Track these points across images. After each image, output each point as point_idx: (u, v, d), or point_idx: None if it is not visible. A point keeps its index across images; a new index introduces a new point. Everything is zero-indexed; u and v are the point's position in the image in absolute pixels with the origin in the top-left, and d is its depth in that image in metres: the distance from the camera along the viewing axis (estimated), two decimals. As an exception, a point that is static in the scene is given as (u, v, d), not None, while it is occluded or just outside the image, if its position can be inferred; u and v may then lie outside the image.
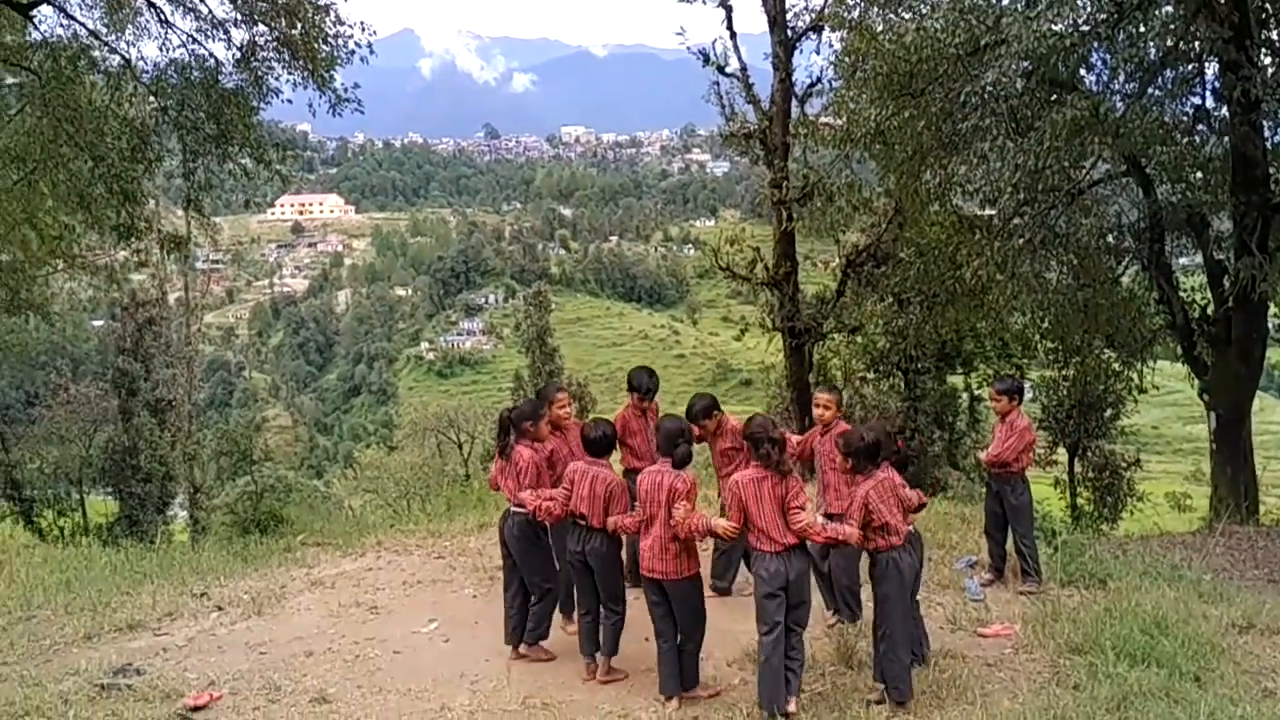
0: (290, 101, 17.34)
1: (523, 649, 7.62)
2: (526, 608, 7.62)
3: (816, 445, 8.18)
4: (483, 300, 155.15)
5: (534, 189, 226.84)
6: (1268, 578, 11.61)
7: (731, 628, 7.72)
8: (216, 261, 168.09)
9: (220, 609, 8.98)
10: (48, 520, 29.47)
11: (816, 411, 8.28)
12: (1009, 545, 9.09)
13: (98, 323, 43.77)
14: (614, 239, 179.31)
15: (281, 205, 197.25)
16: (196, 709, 6.83)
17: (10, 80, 16.35)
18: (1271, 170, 15.91)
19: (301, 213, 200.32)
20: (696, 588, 6.90)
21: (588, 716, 6.68)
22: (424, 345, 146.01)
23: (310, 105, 16.66)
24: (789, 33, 20.90)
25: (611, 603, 7.17)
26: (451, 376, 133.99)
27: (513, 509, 7.55)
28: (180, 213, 25.21)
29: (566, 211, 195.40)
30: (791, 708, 6.46)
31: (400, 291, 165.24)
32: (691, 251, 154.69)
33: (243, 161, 16.58)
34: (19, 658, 7.94)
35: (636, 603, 7.26)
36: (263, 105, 16.56)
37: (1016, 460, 8.94)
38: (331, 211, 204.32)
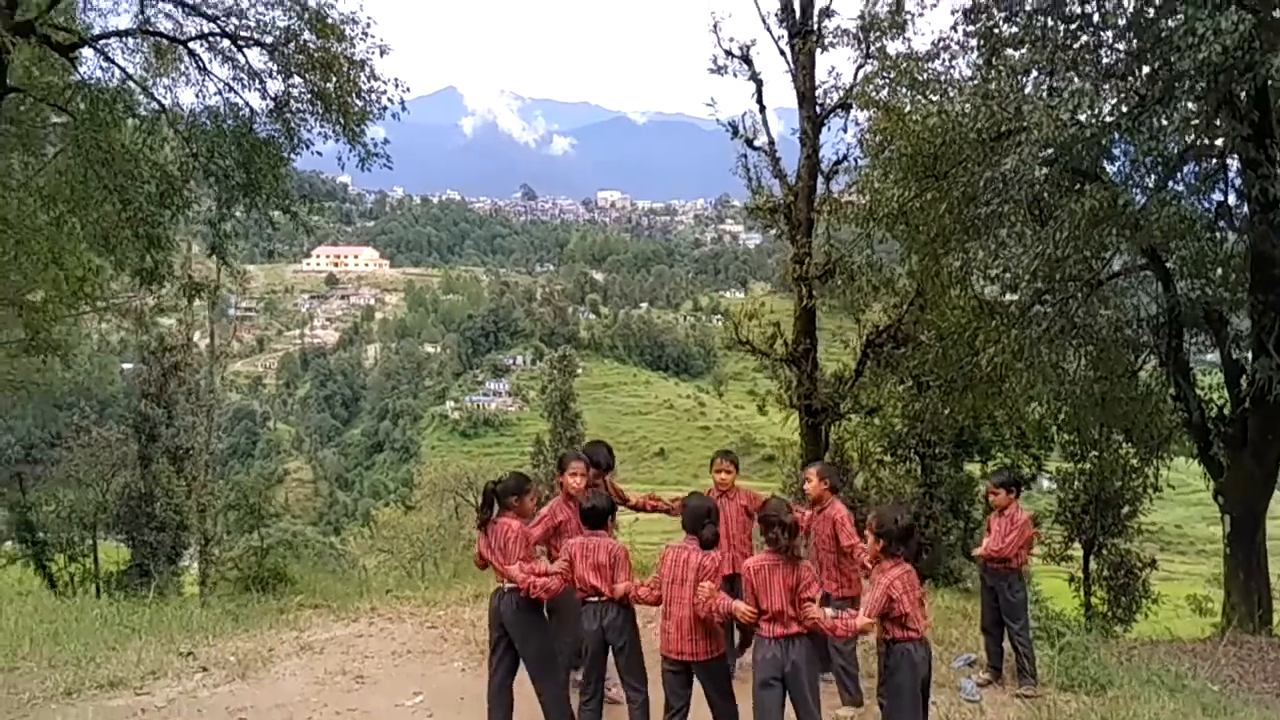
0: (320, 154, 17.61)
1: None
2: (511, 694, 7.28)
3: (811, 525, 8.10)
4: (510, 361, 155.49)
5: (567, 252, 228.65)
6: (1277, 691, 11.38)
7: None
8: (249, 309, 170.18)
9: (205, 670, 8.90)
10: (58, 565, 29.41)
11: (806, 488, 8.23)
12: (1006, 644, 8.93)
13: (127, 365, 44.08)
14: (644, 306, 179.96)
15: (317, 256, 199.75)
16: (170, 775, 6.76)
17: (55, 120, 16.66)
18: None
19: (336, 264, 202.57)
20: (725, 667, 6.85)
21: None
22: (449, 404, 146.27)
23: (340, 159, 16.92)
24: (818, 109, 21.13)
25: (636, 681, 6.92)
26: (475, 437, 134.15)
27: (506, 587, 7.16)
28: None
29: (599, 276, 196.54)
30: None
31: (429, 348, 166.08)
32: (720, 322, 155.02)
33: (270, 212, 16.78)
34: (-1, 712, 7.92)
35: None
36: (293, 156, 16.82)
37: (1016, 556, 8.82)
38: (366, 265, 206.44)
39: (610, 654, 7.03)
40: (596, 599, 6.94)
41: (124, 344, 35.41)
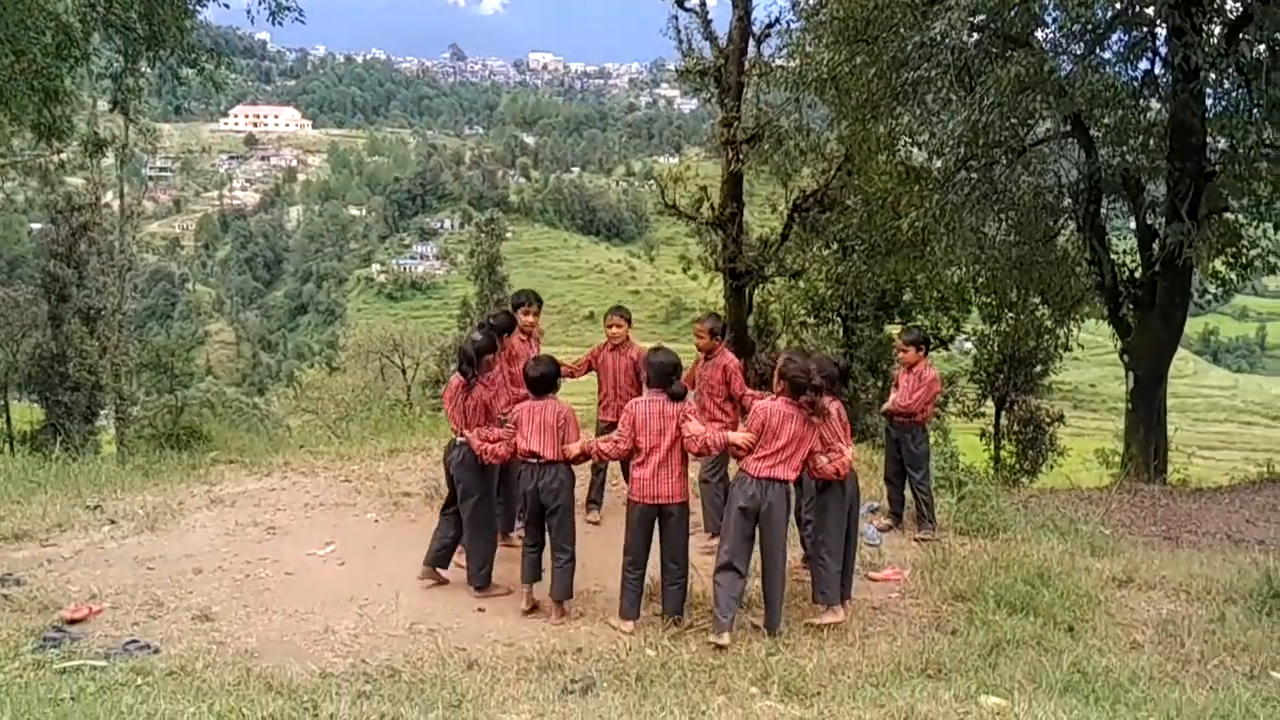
0: (228, 6, 16.85)
1: (476, 595, 7.45)
2: (457, 518, 7.56)
3: (700, 372, 8.50)
4: (438, 225, 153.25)
5: (498, 114, 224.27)
6: (1164, 534, 11.93)
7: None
8: (164, 170, 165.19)
9: (113, 522, 8.82)
10: (-31, 425, 28.99)
11: (698, 342, 8.62)
12: (908, 492, 9.24)
13: (36, 225, 42.75)
14: (576, 170, 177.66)
15: (235, 115, 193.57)
16: (73, 622, 6.71)
17: None
18: (1208, 139, 16.05)
19: (256, 124, 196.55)
20: (689, 513, 7.16)
21: (474, 643, 6.65)
22: (375, 267, 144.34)
23: (249, 12, 16.20)
24: (751, -31, 20.69)
25: (565, 542, 7.11)
26: (402, 300, 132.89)
27: (459, 439, 7.48)
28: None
29: (529, 139, 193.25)
30: (725, 640, 6.61)
31: (354, 211, 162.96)
32: (652, 187, 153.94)
33: (173, 65, 16.09)
34: (-104, 564, 7.79)
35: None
36: (200, 8, 16.08)
37: (921, 411, 9.08)
38: (287, 125, 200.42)
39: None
40: (535, 460, 7.06)
41: (30, 203, 34.18)
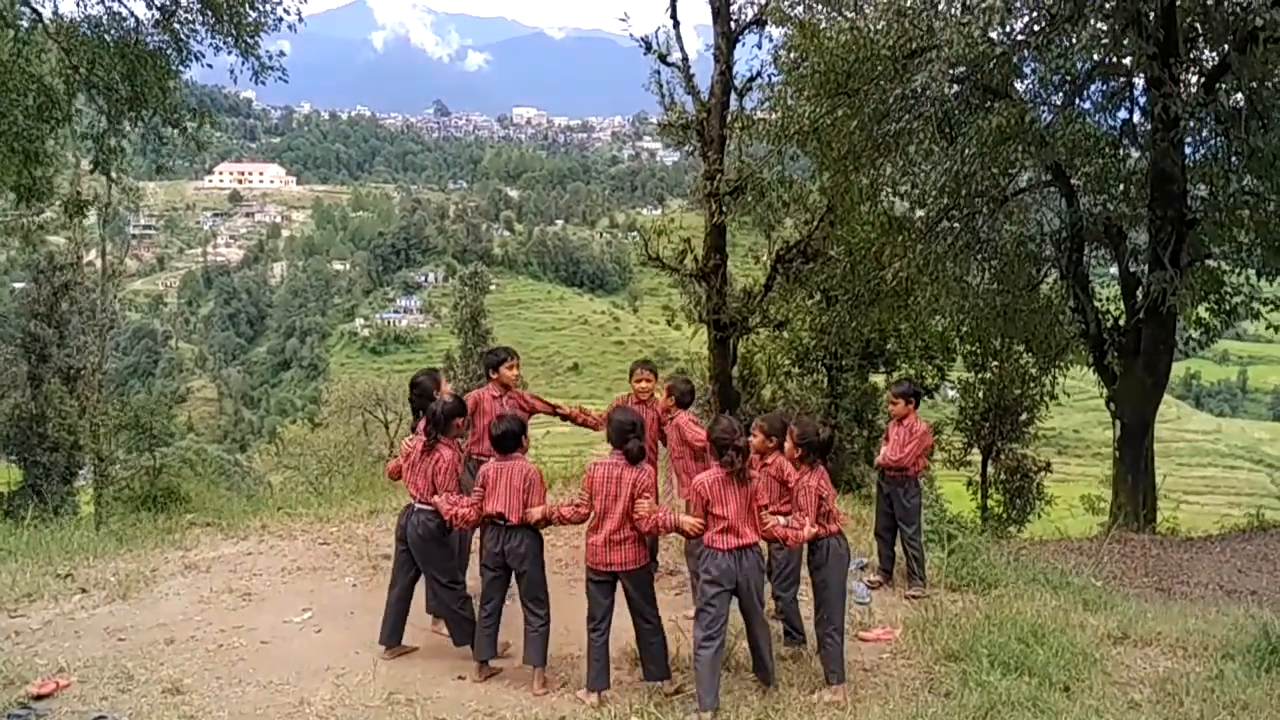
0: (210, 66, 16.82)
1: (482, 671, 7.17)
2: (408, 603, 7.38)
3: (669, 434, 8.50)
4: (422, 278, 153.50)
5: (481, 168, 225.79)
6: (1155, 585, 11.80)
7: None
8: (148, 227, 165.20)
9: (84, 591, 8.59)
10: (-54, 486, 28.64)
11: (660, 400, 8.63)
12: (898, 548, 9.09)
13: (19, 285, 42.57)
14: (560, 223, 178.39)
15: (220, 173, 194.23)
16: (40, 697, 6.51)
17: None
18: (1188, 187, 16.12)
19: (240, 181, 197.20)
20: (651, 575, 6.99)
21: (453, 713, 6.47)
22: (359, 321, 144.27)
23: (232, 71, 16.16)
24: (732, 25, 20.84)
25: (536, 605, 6.90)
26: (385, 354, 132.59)
27: (419, 506, 7.23)
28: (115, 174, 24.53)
29: (513, 193, 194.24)
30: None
31: (338, 266, 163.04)
32: (635, 239, 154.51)
33: (156, 125, 16.03)
34: None
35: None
36: (182, 68, 16.03)
37: (914, 465, 8.97)
38: (272, 181, 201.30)
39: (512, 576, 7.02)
40: (502, 522, 6.88)
41: (12, 263, 34.06)
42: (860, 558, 9.44)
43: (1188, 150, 16.34)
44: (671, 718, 6.38)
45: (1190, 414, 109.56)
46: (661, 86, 21.44)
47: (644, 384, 8.81)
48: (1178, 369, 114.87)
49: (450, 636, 7.36)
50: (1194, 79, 16.34)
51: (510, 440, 7.03)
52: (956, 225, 17.11)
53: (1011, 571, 9.73)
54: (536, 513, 6.89)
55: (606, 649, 6.78)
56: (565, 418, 8.98)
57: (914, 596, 8.75)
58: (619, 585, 6.79)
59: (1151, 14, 14.29)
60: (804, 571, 7.57)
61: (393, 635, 7.38)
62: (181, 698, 6.59)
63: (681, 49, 21.46)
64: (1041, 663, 7.04)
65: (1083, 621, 8.25)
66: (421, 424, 7.54)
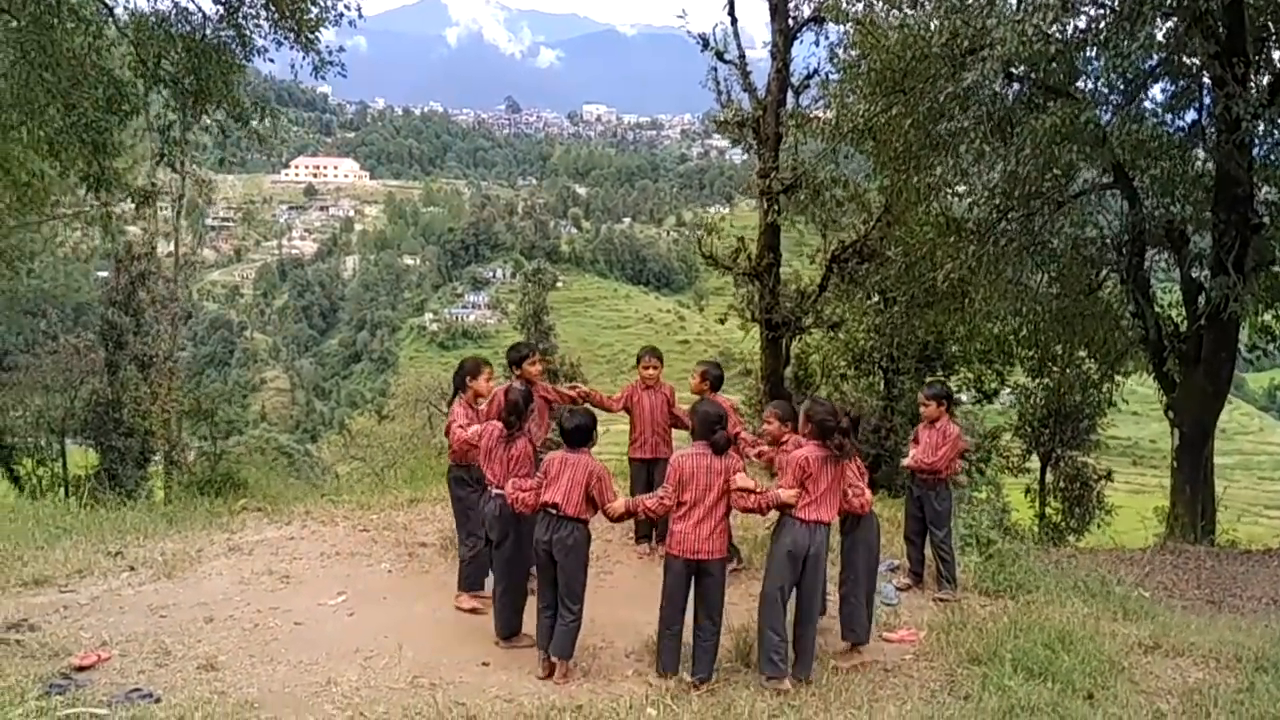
0: (273, 61, 17.18)
1: (502, 645, 7.45)
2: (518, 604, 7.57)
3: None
4: (490, 274, 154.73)
5: (551, 165, 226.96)
6: (1206, 598, 11.56)
7: (632, 617, 7.69)
8: (226, 220, 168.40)
9: (132, 569, 8.89)
10: (26, 468, 29.45)
11: (691, 383, 8.90)
12: (928, 551, 9.05)
13: (103, 274, 43.72)
14: (627, 220, 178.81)
15: (295, 167, 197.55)
16: (81, 669, 6.74)
17: None
18: (1254, 190, 15.77)
19: (315, 175, 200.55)
20: (726, 569, 7.12)
21: (474, 698, 6.55)
22: (428, 316, 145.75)
23: (293, 66, 16.48)
24: (789, 22, 20.77)
25: (571, 600, 6.96)
26: (453, 349, 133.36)
27: (494, 490, 7.46)
28: (190, 167, 25.14)
29: (582, 190, 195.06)
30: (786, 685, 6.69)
31: (409, 260, 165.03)
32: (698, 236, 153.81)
33: (220, 119, 16.40)
34: (-82, 606, 7.88)
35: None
36: (245, 63, 16.37)
37: (946, 468, 8.91)
38: (346, 176, 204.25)
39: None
40: (553, 512, 6.96)
41: (94, 252, 35.03)
42: (890, 559, 9.41)
43: (1254, 153, 15.96)
44: (686, 710, 6.42)
45: (1274, 426, 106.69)
46: (719, 83, 21.47)
47: (651, 370, 9.33)
48: (1260, 379, 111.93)
49: (501, 618, 7.53)
50: (1264, 80, 15.99)
51: (582, 434, 7.11)
52: (1013, 226, 16.86)
53: (1050, 579, 9.59)
54: (619, 505, 7.02)
55: (680, 638, 6.97)
56: (583, 399, 9.21)
57: (942, 600, 8.69)
58: (698, 576, 6.91)
59: (1216, 10, 14.01)
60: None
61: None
62: (215, 674, 6.80)
63: (738, 46, 21.42)
64: (1066, 669, 6.99)
65: (1115, 630, 8.14)
66: (487, 410, 8.05)
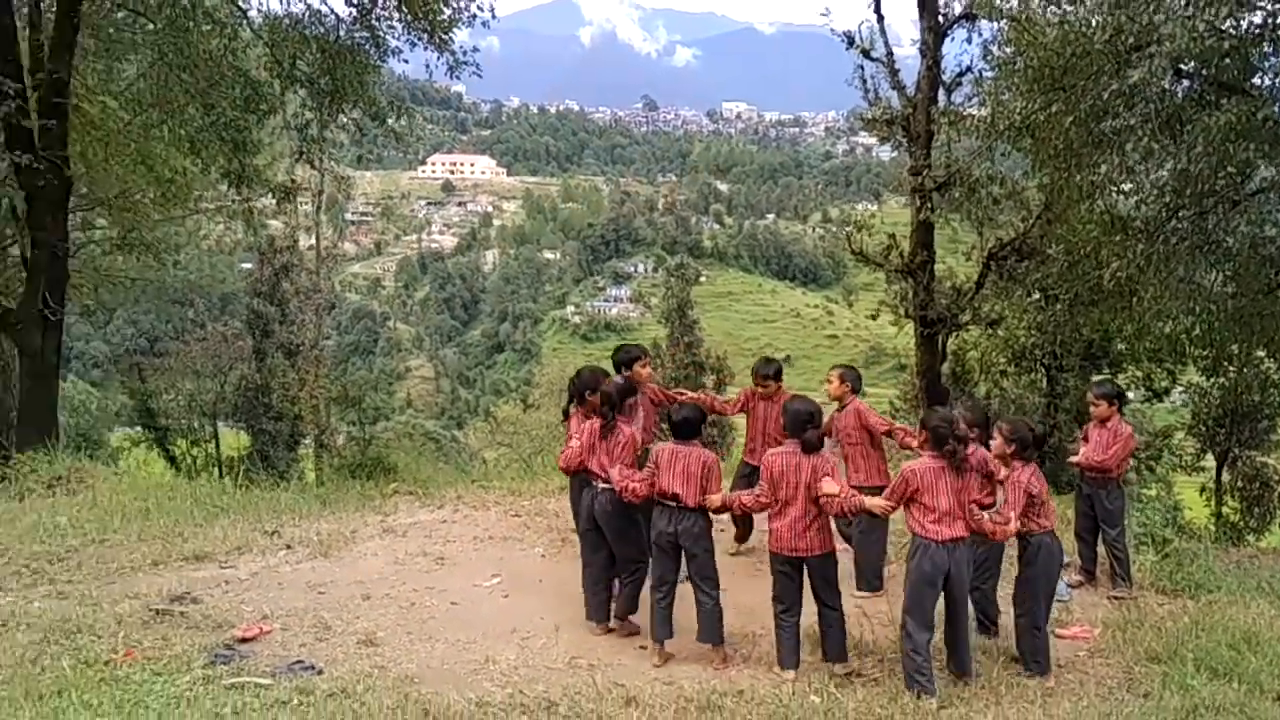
0: (407, 61, 17.42)
1: (614, 624, 7.47)
2: (609, 586, 7.53)
3: (835, 422, 8.42)
4: (632, 269, 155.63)
5: (690, 162, 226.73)
6: None
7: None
8: (365, 214, 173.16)
9: (289, 547, 9.13)
10: (181, 449, 30.70)
11: (829, 388, 8.61)
12: (1101, 549, 8.78)
13: (247, 265, 45.35)
14: (770, 216, 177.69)
15: (433, 164, 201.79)
16: (244, 640, 6.93)
17: (139, 28, 16.74)
18: None
19: (453, 171, 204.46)
20: (835, 563, 6.96)
21: (633, 680, 6.55)
22: (570, 309, 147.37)
23: (428, 66, 16.66)
24: (940, 19, 20.32)
25: (708, 585, 7.01)
26: (596, 341, 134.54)
27: (601, 485, 7.39)
28: (328, 164, 25.84)
29: (723, 186, 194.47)
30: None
31: (548, 255, 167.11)
32: (847, 232, 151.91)
33: (357, 118, 16.73)
34: (85, 578, 8.21)
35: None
36: (379, 63, 16.62)
37: (1117, 467, 8.66)
38: (483, 173, 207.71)
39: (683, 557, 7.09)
40: (674, 504, 6.96)
41: (237, 244, 36.44)
42: (1064, 556, 9.06)
43: None
44: (851, 698, 6.29)
45: None
46: (865, 81, 21.09)
47: (763, 389, 8.93)
48: None
49: (620, 607, 7.47)
50: None
51: (690, 427, 7.14)
52: (1184, 225, 16.13)
53: (1231, 579, 9.17)
54: (717, 499, 7.00)
55: (797, 630, 6.85)
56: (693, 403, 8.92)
57: (1117, 598, 8.43)
58: (804, 570, 6.81)
59: None
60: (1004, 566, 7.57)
61: (600, 611, 7.52)
62: (374, 649, 6.92)
63: (885, 43, 20.99)
64: (1253, 670, 6.67)
65: (1303, 633, 7.67)
66: (579, 409, 7.87)
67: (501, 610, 7.75)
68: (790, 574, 6.82)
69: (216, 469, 27.89)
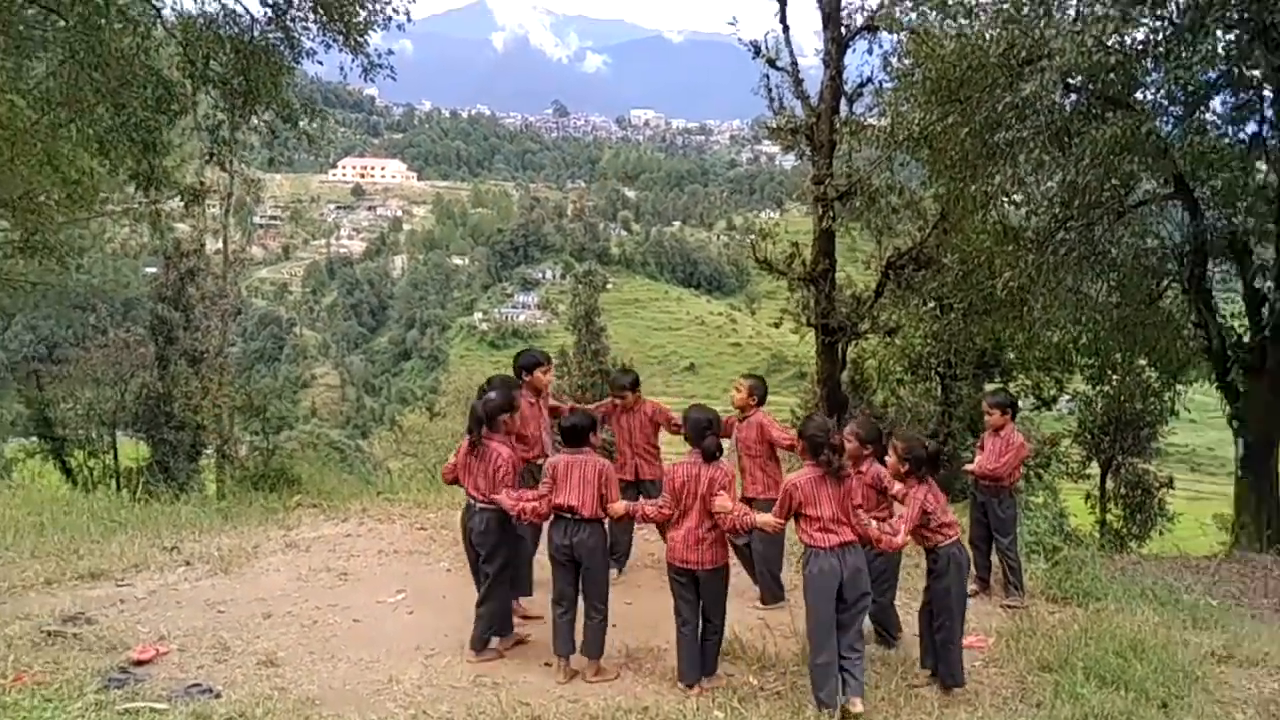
0: (322, 64, 17.28)
1: (471, 656, 7.23)
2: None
3: (737, 432, 8.38)
4: (540, 275, 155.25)
5: (599, 169, 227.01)
6: (1274, 607, 11.42)
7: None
8: (274, 218, 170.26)
9: (188, 564, 8.96)
10: (78, 460, 29.81)
11: (734, 397, 8.52)
12: (995, 558, 8.97)
13: (152, 270, 44.31)
14: (677, 224, 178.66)
15: (343, 167, 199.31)
16: (140, 663, 6.77)
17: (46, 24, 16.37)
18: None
19: (363, 175, 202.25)
20: (726, 577, 6.96)
21: (538, 698, 6.54)
22: (478, 315, 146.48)
23: (342, 69, 16.57)
24: (843, 30, 20.65)
25: (598, 600, 7.00)
26: (504, 348, 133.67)
27: (480, 505, 7.26)
28: (238, 166, 25.40)
29: (631, 193, 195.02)
30: (858, 707, 6.42)
31: (457, 261, 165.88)
32: (751, 241, 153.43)
33: (269, 120, 16.53)
34: (-25, 599, 7.96)
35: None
36: (294, 65, 16.46)
37: (1009, 476, 8.84)
38: (394, 177, 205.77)
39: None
40: (571, 515, 6.93)
41: (142, 248, 35.46)
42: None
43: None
44: (755, 713, 6.38)
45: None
46: (770, 90, 21.35)
47: (619, 400, 8.85)
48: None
49: (479, 628, 7.29)
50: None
51: (579, 433, 7.08)
52: (1072, 236, 16.68)
53: (1118, 586, 9.49)
54: (620, 507, 7.00)
55: (696, 643, 6.85)
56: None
57: (1010, 607, 8.62)
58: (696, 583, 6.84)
59: (1279, 25, 13.77)
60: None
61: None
62: (274, 670, 6.82)
63: (791, 54, 21.25)
64: (1139, 678, 6.88)
65: (1186, 639, 8.03)
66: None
67: (405, 627, 7.69)
68: (685, 585, 6.82)
69: (115, 481, 27.12)
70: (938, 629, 6.99)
